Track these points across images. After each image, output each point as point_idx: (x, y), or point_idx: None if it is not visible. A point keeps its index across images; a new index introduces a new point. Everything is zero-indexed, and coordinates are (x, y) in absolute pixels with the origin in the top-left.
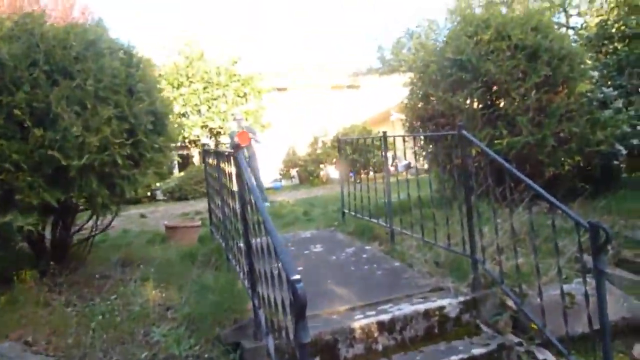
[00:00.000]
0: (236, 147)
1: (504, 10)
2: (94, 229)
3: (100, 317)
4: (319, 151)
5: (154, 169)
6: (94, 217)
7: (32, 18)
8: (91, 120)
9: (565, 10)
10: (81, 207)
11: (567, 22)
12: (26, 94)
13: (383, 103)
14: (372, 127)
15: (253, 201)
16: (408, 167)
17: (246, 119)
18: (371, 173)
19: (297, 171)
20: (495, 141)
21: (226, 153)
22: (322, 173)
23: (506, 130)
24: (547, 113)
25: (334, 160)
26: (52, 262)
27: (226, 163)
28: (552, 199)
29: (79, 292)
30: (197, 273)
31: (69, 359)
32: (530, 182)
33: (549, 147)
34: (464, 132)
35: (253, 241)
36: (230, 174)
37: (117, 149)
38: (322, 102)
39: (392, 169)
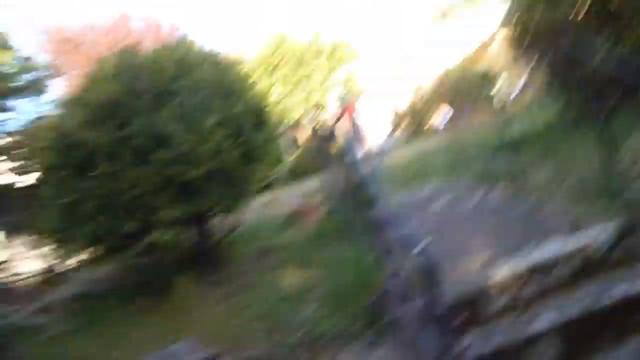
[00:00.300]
0: (336, 122)
1: None
2: (227, 229)
3: (253, 306)
4: (421, 102)
5: (265, 160)
6: (225, 217)
7: (129, 53)
8: (199, 131)
9: None
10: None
11: None
12: (142, 121)
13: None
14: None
15: (365, 177)
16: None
17: (346, 91)
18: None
19: (405, 123)
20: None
21: (327, 132)
22: (430, 122)
23: None
24: None
25: (446, 100)
26: (201, 265)
27: (330, 142)
28: None
29: (229, 286)
30: (327, 251)
31: (234, 349)
32: None
33: None
34: None
35: (375, 213)
36: (339, 150)
37: (228, 152)
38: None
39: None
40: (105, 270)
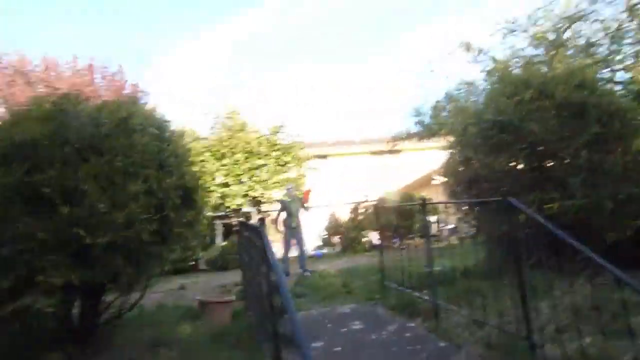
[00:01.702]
0: (261, 220)
1: (544, 69)
2: (123, 308)
3: None
4: (360, 217)
5: (182, 243)
6: (123, 296)
7: (67, 99)
8: (118, 196)
9: (609, 66)
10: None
11: (613, 77)
12: (57, 172)
13: (424, 167)
14: (414, 191)
15: (276, 282)
16: (454, 231)
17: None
18: (415, 239)
19: (339, 238)
20: (546, 205)
21: (255, 226)
22: (364, 240)
23: (557, 193)
24: (601, 173)
25: (376, 227)
26: (78, 344)
27: (255, 237)
28: (618, 271)
29: None
30: (226, 357)
31: None
32: (589, 252)
33: (606, 210)
34: (511, 199)
35: (280, 326)
36: (258, 249)
37: (143, 224)
38: (363, 168)
39: (437, 233)
40: None
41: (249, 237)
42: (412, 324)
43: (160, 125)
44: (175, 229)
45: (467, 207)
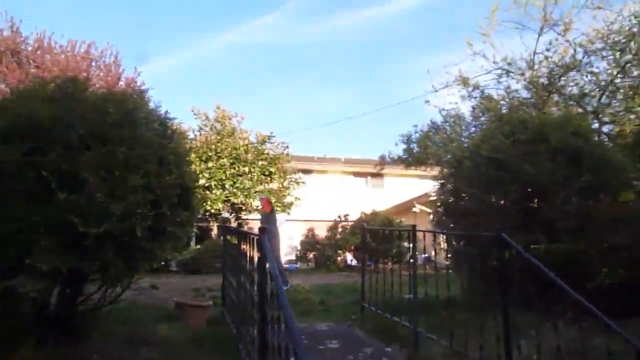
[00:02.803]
0: (262, 230)
1: (532, 113)
2: (102, 300)
3: None
4: (338, 236)
5: (173, 242)
6: (104, 288)
7: (74, 83)
8: (117, 187)
9: (598, 117)
10: (92, 277)
11: (600, 128)
12: (58, 155)
13: (406, 193)
14: (394, 216)
15: (276, 293)
16: (428, 260)
17: (270, 198)
18: (389, 264)
19: (314, 255)
20: (532, 246)
21: (251, 235)
22: (339, 259)
23: (543, 236)
24: (589, 220)
25: (352, 247)
26: (53, 333)
27: (248, 245)
28: (605, 318)
29: None
30: None
31: None
32: (576, 295)
33: (591, 258)
34: (504, 235)
35: (270, 339)
36: (251, 258)
37: (138, 219)
38: (345, 187)
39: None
40: None
41: (236, 244)
42: (389, 349)
43: (163, 122)
44: (169, 227)
45: (453, 239)
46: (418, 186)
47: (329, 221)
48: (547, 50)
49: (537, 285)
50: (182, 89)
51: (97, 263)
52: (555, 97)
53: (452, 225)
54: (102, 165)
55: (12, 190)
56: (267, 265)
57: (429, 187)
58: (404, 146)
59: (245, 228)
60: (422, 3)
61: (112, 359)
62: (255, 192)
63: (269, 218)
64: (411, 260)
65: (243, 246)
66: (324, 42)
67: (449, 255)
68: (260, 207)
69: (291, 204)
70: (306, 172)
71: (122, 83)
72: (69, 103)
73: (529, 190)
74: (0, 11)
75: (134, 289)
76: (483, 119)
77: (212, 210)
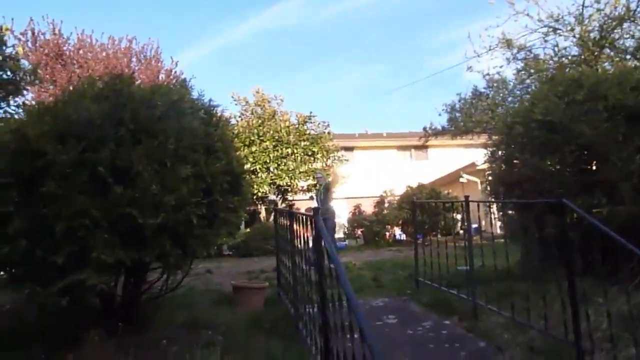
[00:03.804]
0: (315, 210)
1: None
2: (163, 288)
3: None
4: (385, 211)
5: (226, 228)
6: (164, 276)
7: (121, 79)
8: (169, 178)
9: None
10: (152, 266)
11: None
12: (111, 151)
13: (451, 164)
14: (441, 187)
15: (334, 272)
16: (479, 231)
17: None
18: (438, 236)
19: (362, 231)
20: (593, 210)
21: (303, 216)
22: (387, 234)
23: (605, 199)
24: None
25: (400, 221)
26: (120, 322)
27: (301, 225)
28: None
29: (144, 356)
30: (264, 342)
31: None
32: None
33: None
34: (566, 200)
35: (330, 315)
36: (306, 238)
37: (192, 208)
38: (389, 162)
39: (460, 232)
40: (10, 300)
41: (289, 226)
42: (448, 322)
43: (208, 110)
44: (221, 214)
45: (508, 207)
46: (464, 156)
47: (375, 197)
48: (597, 2)
49: (601, 251)
50: (216, 77)
51: (156, 252)
52: (608, 52)
53: (504, 193)
54: (153, 158)
55: (71, 188)
56: (324, 244)
57: (476, 156)
58: (448, 116)
59: (293, 209)
60: None
61: (179, 343)
62: (300, 172)
63: (325, 197)
64: (464, 232)
65: (296, 227)
66: (351, 19)
67: (501, 225)
68: (317, 184)
69: (336, 182)
70: (348, 149)
71: (162, 75)
72: (117, 99)
73: (586, 152)
74: (42, 15)
75: (191, 275)
76: (528, 81)
77: (259, 194)
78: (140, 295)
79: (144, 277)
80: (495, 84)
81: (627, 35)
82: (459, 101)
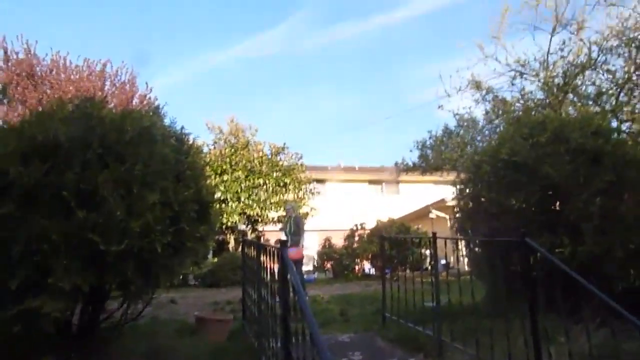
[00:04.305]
0: (282, 243)
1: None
2: (123, 317)
3: None
4: (355, 245)
5: (193, 258)
6: (125, 305)
7: (92, 103)
8: (135, 205)
9: (617, 116)
10: (113, 294)
11: (619, 126)
12: (76, 175)
13: (422, 199)
14: (411, 223)
15: (299, 306)
16: (447, 267)
17: (297, 208)
18: (407, 271)
19: (331, 264)
20: (556, 250)
21: (270, 248)
22: (357, 268)
23: (568, 239)
24: (613, 221)
25: (370, 255)
26: (76, 351)
27: (268, 258)
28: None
29: None
30: None
31: None
32: (606, 298)
33: (617, 258)
34: (528, 239)
35: (294, 350)
36: (272, 271)
37: (158, 236)
38: (360, 195)
39: (429, 267)
40: None
41: (256, 257)
42: (413, 359)
43: (179, 137)
44: (188, 243)
45: (475, 244)
46: (434, 192)
47: (345, 230)
48: (561, 50)
49: (563, 289)
50: (192, 103)
51: (117, 280)
52: (572, 97)
53: (471, 230)
54: (119, 183)
55: (31, 210)
56: (289, 277)
57: (445, 192)
58: (419, 152)
59: (262, 240)
60: (431, 9)
61: None
62: (271, 203)
63: (294, 229)
64: (432, 268)
65: (263, 258)
66: (331, 51)
67: (467, 261)
68: (286, 216)
69: (307, 214)
70: (320, 181)
71: (136, 100)
72: (87, 122)
73: (550, 192)
74: (16, 34)
75: (154, 304)
76: (497, 122)
77: (229, 223)
78: (98, 324)
79: (102, 305)
80: (465, 123)
81: (589, 82)
82: (430, 138)
